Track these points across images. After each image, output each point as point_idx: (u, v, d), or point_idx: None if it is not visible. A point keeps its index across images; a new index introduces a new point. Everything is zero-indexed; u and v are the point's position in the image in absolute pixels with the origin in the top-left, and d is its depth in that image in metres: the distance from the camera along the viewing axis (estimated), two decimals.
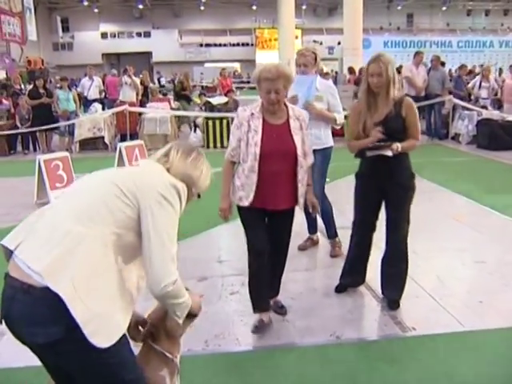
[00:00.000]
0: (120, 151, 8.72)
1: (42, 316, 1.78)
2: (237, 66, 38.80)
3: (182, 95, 15.18)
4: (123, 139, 12.12)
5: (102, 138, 12.50)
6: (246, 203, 3.55)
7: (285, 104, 3.60)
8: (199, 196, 2.30)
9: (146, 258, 1.96)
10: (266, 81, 3.38)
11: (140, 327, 2.28)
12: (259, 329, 3.73)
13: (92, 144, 12.63)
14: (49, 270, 1.78)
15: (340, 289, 4.37)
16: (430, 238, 5.67)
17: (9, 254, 1.93)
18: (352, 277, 4.37)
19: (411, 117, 3.82)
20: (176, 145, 2.27)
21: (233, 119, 14.01)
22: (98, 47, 40.80)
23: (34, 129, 11.82)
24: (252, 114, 3.56)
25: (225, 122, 12.39)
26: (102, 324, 1.82)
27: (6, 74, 23.99)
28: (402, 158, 3.88)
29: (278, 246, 3.78)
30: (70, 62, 38.59)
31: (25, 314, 1.80)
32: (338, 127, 5.08)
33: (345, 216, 5.47)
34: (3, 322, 1.89)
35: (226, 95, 13.99)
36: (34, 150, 12.38)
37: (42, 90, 12.00)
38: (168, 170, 2.13)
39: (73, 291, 1.76)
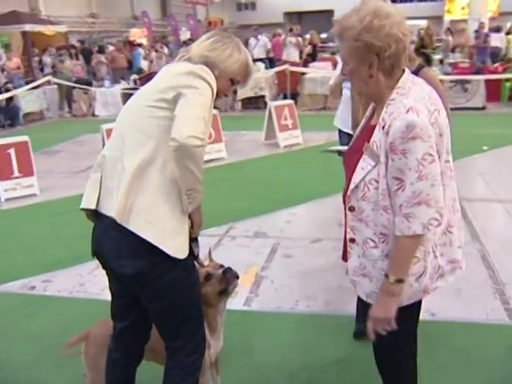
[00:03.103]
0: (270, 110, 8.91)
1: (128, 250, 1.95)
2: (423, 23, 36.35)
3: (421, 53, 14.17)
4: (285, 99, 12.31)
5: (264, 97, 12.85)
6: None
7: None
8: (237, 82, 2.20)
9: (175, 118, 1.90)
10: None
11: None
12: None
13: (254, 103, 13.06)
14: (122, 214, 1.91)
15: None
16: None
17: (91, 213, 2.09)
18: None
19: None
20: (208, 33, 2.22)
21: None
22: (279, 6, 41.26)
23: None
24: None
25: None
26: (177, 241, 1.97)
27: (192, 34, 25.56)
28: None
29: None
30: (252, 21, 39.51)
31: (114, 247, 1.97)
32: None
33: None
34: (95, 256, 2.11)
35: None
36: None
37: None
38: (189, 59, 2.11)
39: (146, 225, 1.91)
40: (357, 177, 1.89)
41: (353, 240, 1.95)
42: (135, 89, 13.46)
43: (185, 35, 26.13)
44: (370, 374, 2.32)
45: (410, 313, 2.01)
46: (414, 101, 1.81)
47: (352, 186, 1.90)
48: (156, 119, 1.96)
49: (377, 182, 1.84)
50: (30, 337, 3.45)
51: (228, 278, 2.36)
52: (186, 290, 2.08)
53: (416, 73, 2.67)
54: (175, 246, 1.96)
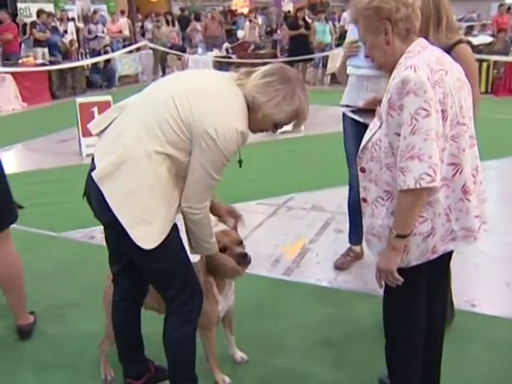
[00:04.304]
0: None
1: (107, 203, 2.03)
2: None
3: None
4: None
5: None
6: None
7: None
8: (282, 126, 2.15)
9: (187, 181, 2.06)
10: None
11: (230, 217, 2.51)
12: None
13: None
14: (101, 174, 2.03)
15: None
16: None
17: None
18: None
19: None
20: (269, 65, 2.15)
21: (495, 63, 12.41)
22: None
23: (290, 59, 12.49)
24: None
25: (485, 65, 11.27)
26: (145, 230, 2.02)
27: (294, 6, 25.30)
28: None
29: None
30: None
31: (99, 197, 2.05)
32: None
33: None
34: (85, 197, 2.23)
35: (496, 35, 12.62)
36: None
37: (301, 22, 12.52)
38: (242, 86, 2.10)
39: (120, 198, 2.01)
40: (365, 138, 1.97)
41: (364, 199, 2.03)
42: (228, 57, 13.70)
43: (287, 6, 25.93)
44: None
45: (419, 273, 2.03)
46: (417, 60, 1.84)
47: (361, 147, 1.98)
48: (179, 131, 2.00)
49: (380, 140, 1.90)
50: (80, 280, 3.70)
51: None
52: (165, 247, 2.07)
53: (452, 47, 2.52)
54: (141, 235, 2.01)
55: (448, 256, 2.12)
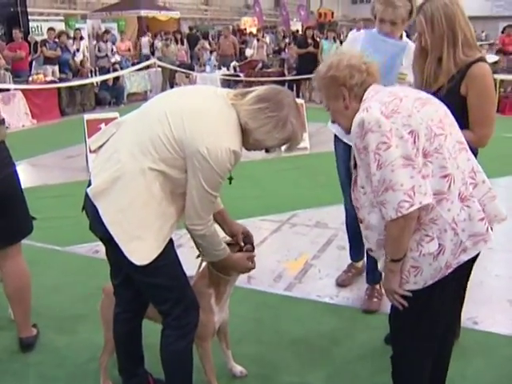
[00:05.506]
0: None
1: (100, 218, 2.07)
2: None
3: None
4: None
5: None
6: None
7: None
8: (269, 150, 2.17)
9: (187, 199, 2.09)
10: None
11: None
12: None
13: None
14: (96, 191, 2.07)
15: None
16: None
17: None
18: None
19: (473, 94, 2.46)
20: (264, 89, 2.12)
21: (502, 82, 12.33)
22: None
23: (297, 77, 12.59)
24: None
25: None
26: (139, 246, 2.04)
27: (302, 25, 25.57)
28: None
29: None
30: (367, 15, 38.77)
31: (92, 213, 2.09)
32: None
33: None
34: (84, 211, 2.24)
35: (504, 53, 12.69)
36: (297, 97, 13.17)
37: (310, 41, 12.63)
38: (236, 107, 2.09)
39: (114, 214, 2.04)
40: (352, 192, 2.08)
41: (370, 249, 2.11)
42: (235, 75, 13.82)
43: (295, 26, 26.23)
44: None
45: (437, 291, 2.01)
46: (369, 101, 1.93)
47: (353, 198, 2.08)
48: (172, 148, 2.02)
49: (362, 187, 1.99)
50: (83, 293, 3.71)
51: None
52: (158, 262, 2.07)
53: (470, 65, 2.47)
54: (133, 251, 2.04)
55: (465, 269, 2.07)
